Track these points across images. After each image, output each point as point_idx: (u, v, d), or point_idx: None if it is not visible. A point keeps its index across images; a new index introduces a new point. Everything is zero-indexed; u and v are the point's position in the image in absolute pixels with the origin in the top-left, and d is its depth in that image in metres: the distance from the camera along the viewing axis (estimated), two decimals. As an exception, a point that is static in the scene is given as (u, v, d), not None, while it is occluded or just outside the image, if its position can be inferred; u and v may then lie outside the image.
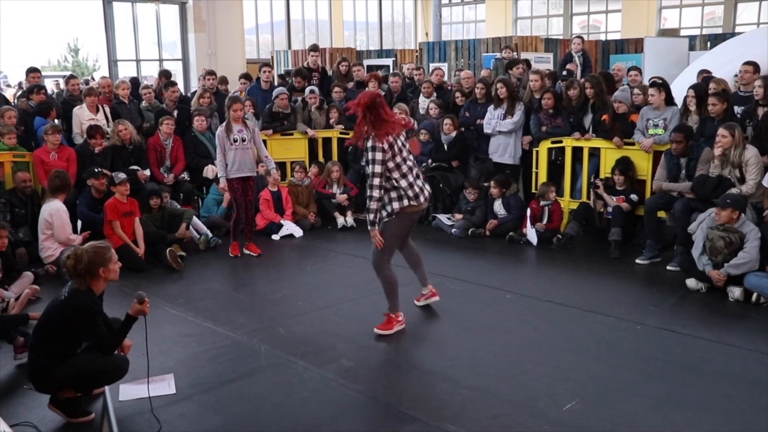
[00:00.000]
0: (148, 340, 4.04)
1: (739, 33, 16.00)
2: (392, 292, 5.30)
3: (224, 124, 7.31)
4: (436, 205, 8.90)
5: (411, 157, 5.25)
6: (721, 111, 6.96)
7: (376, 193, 5.01)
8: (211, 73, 10.49)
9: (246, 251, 7.53)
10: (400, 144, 5.10)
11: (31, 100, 8.79)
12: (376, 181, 4.99)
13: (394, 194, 5.10)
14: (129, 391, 4.26)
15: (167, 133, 8.61)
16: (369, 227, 5.15)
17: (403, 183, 5.08)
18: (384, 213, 5.14)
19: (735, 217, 5.95)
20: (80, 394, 4.07)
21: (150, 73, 16.37)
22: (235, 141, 7.18)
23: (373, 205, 5.04)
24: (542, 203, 7.95)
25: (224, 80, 11.16)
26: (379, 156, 4.95)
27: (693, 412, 3.98)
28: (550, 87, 8.92)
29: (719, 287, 5.94)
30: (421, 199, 5.19)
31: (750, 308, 5.69)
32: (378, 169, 4.96)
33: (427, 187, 5.37)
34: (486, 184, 8.56)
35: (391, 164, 5.02)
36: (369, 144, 4.97)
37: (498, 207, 8.28)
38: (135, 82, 11.21)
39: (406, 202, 5.09)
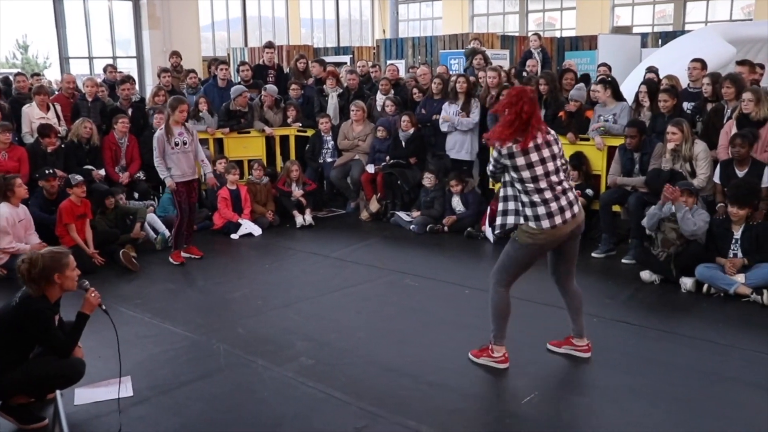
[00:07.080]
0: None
1: (688, 31, 16.39)
2: (495, 317, 4.64)
3: (163, 126, 7.03)
4: (394, 202, 8.94)
5: (553, 165, 4.24)
6: (671, 107, 7.11)
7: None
8: (166, 70, 10.34)
9: (185, 254, 7.28)
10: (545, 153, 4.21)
11: None
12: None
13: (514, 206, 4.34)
14: (84, 394, 4.17)
15: (122, 131, 8.47)
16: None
17: (535, 198, 4.21)
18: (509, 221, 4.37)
19: (692, 201, 6.13)
20: (34, 399, 3.98)
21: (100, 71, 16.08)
22: (176, 144, 6.90)
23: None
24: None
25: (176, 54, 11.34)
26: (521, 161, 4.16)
27: (648, 402, 4.06)
28: (508, 84, 9.00)
29: (673, 280, 6.08)
30: (555, 221, 4.22)
31: (701, 299, 5.83)
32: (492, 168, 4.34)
33: (575, 208, 4.33)
34: (446, 179, 8.60)
35: (526, 174, 4.18)
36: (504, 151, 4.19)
37: (456, 203, 8.32)
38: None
39: (521, 220, 4.31)
